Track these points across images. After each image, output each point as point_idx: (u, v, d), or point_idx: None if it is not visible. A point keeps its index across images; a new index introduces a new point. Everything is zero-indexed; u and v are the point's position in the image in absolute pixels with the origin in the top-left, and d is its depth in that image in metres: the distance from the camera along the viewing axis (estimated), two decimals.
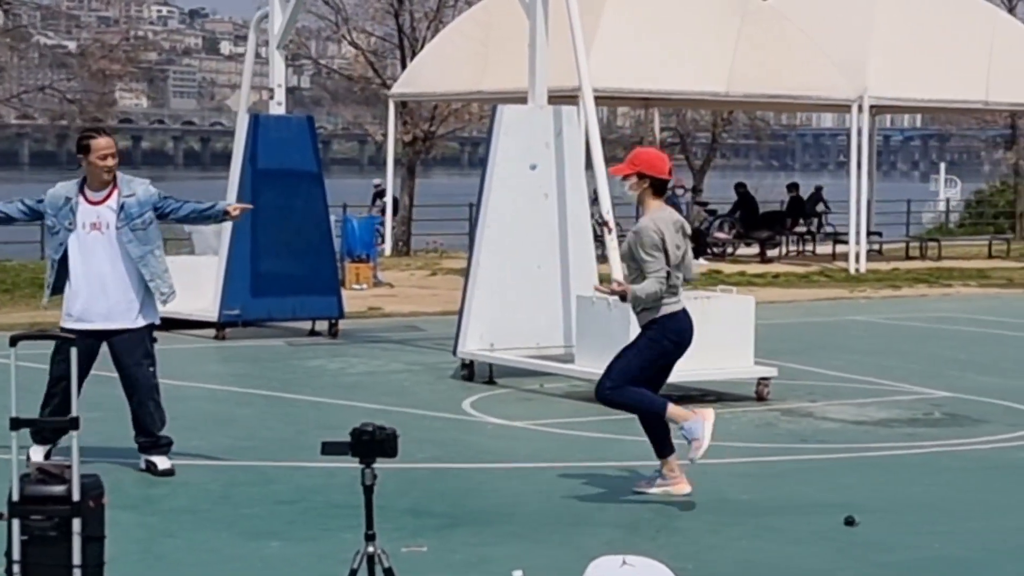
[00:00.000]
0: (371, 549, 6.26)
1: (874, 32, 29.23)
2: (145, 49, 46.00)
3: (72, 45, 71.56)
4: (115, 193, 9.96)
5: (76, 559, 6.29)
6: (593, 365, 13.59)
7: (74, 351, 6.57)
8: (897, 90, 29.16)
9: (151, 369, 10.02)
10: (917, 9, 29.77)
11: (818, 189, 36.20)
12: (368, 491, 6.27)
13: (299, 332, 18.08)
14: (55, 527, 6.28)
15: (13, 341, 6.39)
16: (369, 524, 6.29)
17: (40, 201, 10.11)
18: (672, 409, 9.41)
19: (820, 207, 35.34)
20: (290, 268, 17.59)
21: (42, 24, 47.33)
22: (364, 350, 16.84)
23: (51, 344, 9.45)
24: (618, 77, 25.89)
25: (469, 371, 14.58)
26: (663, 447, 9.57)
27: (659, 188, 9.44)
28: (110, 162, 9.92)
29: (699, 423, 9.34)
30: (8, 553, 6.30)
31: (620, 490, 9.80)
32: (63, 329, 9.54)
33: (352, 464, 9.94)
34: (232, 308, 17.36)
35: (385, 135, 31.55)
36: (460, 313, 14.86)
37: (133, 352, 9.93)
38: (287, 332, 18.03)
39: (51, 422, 6.40)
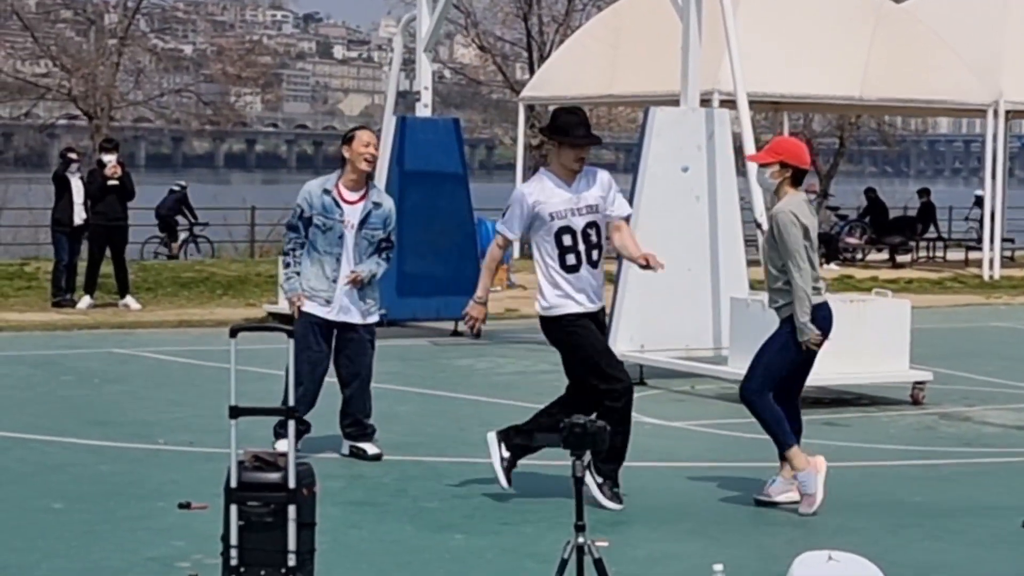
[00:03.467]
0: (581, 540, 6.33)
1: (1008, 35, 28.92)
2: (260, 53, 46.48)
3: (188, 49, 72.35)
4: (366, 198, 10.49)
5: (291, 545, 6.43)
6: (747, 367, 13.62)
7: (292, 343, 6.69)
8: None
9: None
10: None
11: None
12: (578, 482, 6.33)
13: (442, 332, 18.22)
14: (271, 513, 6.42)
15: (233, 333, 6.54)
16: (579, 515, 6.35)
17: (301, 217, 10.48)
18: (795, 451, 9.27)
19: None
20: (435, 269, 17.74)
21: (159, 28, 47.93)
22: (509, 350, 16.95)
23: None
24: (748, 80, 25.77)
25: None
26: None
27: (799, 178, 9.35)
28: (372, 150, 10.48)
29: (813, 476, 9.20)
30: (225, 537, 6.45)
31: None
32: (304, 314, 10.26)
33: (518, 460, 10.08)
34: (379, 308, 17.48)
35: (514, 139, 31.69)
36: (610, 314, 14.90)
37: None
38: (430, 332, 18.17)
39: (268, 410, 6.50)
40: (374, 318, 10.70)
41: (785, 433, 9.32)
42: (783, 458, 9.37)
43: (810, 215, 9.37)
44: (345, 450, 10.64)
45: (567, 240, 9.30)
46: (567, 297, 9.32)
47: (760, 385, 9.39)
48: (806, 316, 9.14)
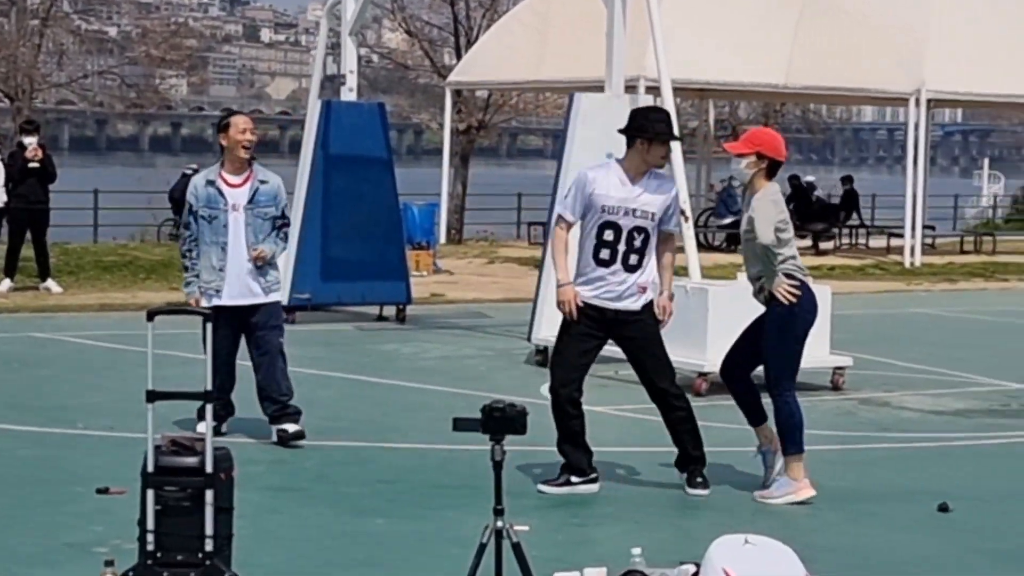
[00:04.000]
0: (499, 524, 6.35)
1: (931, 25, 29.14)
2: (185, 36, 46.12)
3: (113, 31, 71.75)
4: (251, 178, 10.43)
5: (208, 530, 6.41)
6: (670, 353, 13.64)
7: (209, 327, 6.68)
8: (954, 84, 29.05)
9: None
10: (974, 1, 29.68)
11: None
12: (498, 467, 6.35)
13: (367, 317, 18.19)
14: (189, 498, 6.40)
15: (150, 316, 6.51)
16: (498, 499, 6.38)
17: (192, 212, 10.44)
18: (796, 460, 9.27)
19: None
20: (360, 253, 17.70)
21: (82, 8, 47.53)
22: (435, 335, 16.95)
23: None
24: (673, 67, 25.86)
25: (543, 357, 14.63)
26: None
27: (774, 170, 9.27)
28: (249, 136, 10.39)
29: (793, 488, 9.22)
30: (142, 522, 6.42)
31: (709, 475, 9.84)
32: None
33: (440, 445, 10.11)
34: (302, 292, 17.49)
35: (440, 124, 31.67)
36: (535, 300, 14.94)
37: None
38: (355, 317, 18.14)
39: (186, 395, 6.48)
40: (275, 295, 10.62)
41: (800, 435, 9.27)
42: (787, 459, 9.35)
43: (784, 207, 9.35)
44: (274, 437, 10.58)
45: (608, 235, 9.20)
46: (582, 285, 9.26)
47: (789, 384, 9.30)
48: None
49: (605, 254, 9.19)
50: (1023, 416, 12.64)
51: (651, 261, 9.30)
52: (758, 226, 9.09)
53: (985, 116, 66.51)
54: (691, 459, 9.51)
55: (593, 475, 9.44)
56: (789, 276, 9.21)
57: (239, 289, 10.43)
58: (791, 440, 9.29)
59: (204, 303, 10.28)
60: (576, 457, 9.41)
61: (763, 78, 27.69)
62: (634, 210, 9.16)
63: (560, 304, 9.27)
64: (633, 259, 9.19)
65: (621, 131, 9.37)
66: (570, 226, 9.31)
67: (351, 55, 18.04)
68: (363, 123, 17.75)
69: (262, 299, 10.50)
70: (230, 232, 10.36)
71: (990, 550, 8.24)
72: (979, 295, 23.95)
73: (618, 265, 9.18)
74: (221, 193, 10.38)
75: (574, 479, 9.42)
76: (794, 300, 9.14)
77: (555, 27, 27.23)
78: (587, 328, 9.28)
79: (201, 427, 9.41)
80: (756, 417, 9.60)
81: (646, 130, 9.24)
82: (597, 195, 9.17)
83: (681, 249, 15.03)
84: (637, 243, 9.18)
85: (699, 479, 9.47)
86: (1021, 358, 16.21)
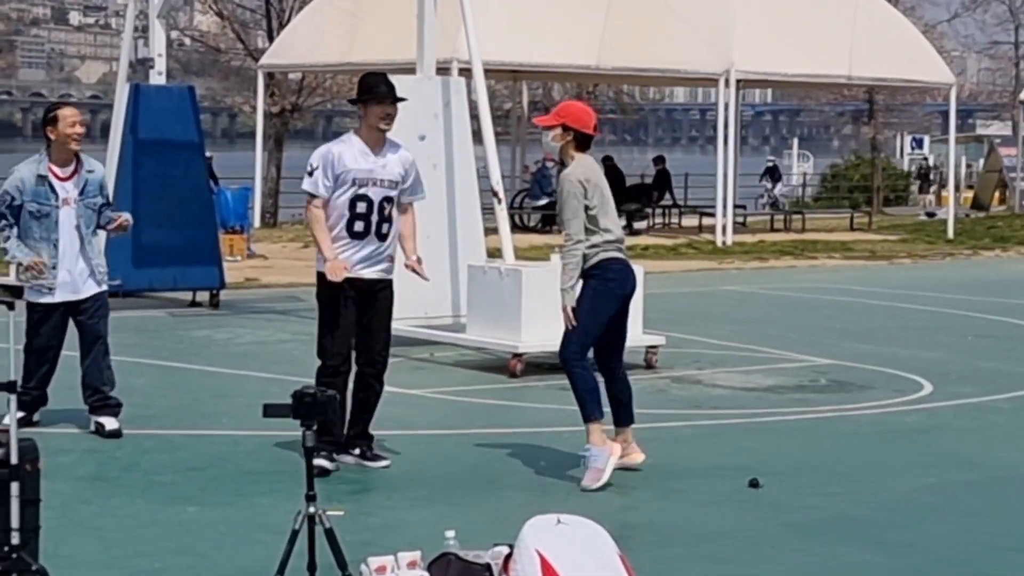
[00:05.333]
0: (312, 510, 6.33)
1: (739, 7, 29.57)
2: None
3: None
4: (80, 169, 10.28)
5: (15, 523, 6.29)
6: (485, 334, 13.76)
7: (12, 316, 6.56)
8: (762, 64, 29.54)
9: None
10: None
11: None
12: (308, 452, 6.33)
13: (180, 303, 18.00)
14: None
15: None
16: (310, 485, 6.35)
17: (11, 205, 10.19)
18: (596, 426, 9.28)
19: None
20: (171, 239, 17.48)
21: None
22: (248, 320, 16.84)
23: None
24: (486, 49, 25.93)
25: None
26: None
27: (583, 142, 9.31)
28: (79, 129, 10.19)
29: (605, 453, 9.22)
30: None
31: (524, 455, 9.94)
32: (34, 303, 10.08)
33: (253, 432, 10.04)
34: (113, 279, 17.09)
35: (254, 107, 31.40)
36: None
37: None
38: (168, 303, 17.93)
39: None
40: (105, 286, 10.53)
41: (595, 403, 9.31)
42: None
43: (601, 176, 9.43)
44: (92, 426, 10.42)
45: (361, 207, 9.38)
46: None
47: (578, 349, 9.32)
48: (568, 283, 9.19)
49: (359, 226, 9.43)
50: (831, 392, 12.90)
51: (395, 228, 9.55)
52: (561, 216, 9.24)
53: (794, 96, 67.59)
54: (367, 436, 9.74)
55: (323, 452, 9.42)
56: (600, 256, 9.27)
57: (73, 285, 10.29)
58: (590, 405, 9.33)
59: (35, 299, 10.16)
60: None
61: (575, 59, 27.87)
62: (381, 180, 9.43)
63: (333, 279, 9.37)
64: (385, 228, 9.48)
65: (350, 101, 9.60)
66: (325, 203, 9.44)
67: (160, 38, 17.80)
68: (172, 107, 17.53)
69: (92, 292, 10.37)
70: (62, 228, 10.19)
71: (793, 523, 8.40)
72: (788, 272, 24.40)
73: (372, 235, 9.44)
74: (52, 188, 10.18)
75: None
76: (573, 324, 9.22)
77: (367, 9, 27.13)
78: (352, 299, 9.46)
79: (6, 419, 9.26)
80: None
81: (363, 93, 9.46)
82: (348, 169, 9.37)
83: (495, 230, 15.18)
84: (387, 212, 9.46)
85: (376, 452, 9.73)
86: (830, 334, 16.54)
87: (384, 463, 9.65)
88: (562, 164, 9.50)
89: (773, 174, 45.43)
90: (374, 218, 9.43)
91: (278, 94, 33.96)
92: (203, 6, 37.50)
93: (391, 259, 9.61)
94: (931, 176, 49.11)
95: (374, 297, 9.56)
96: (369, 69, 29.44)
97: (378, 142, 9.47)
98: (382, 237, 9.48)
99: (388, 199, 9.46)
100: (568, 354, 9.34)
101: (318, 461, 9.19)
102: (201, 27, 53.74)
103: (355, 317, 9.51)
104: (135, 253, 17.32)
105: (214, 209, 18.47)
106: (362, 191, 9.39)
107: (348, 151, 9.43)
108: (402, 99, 9.65)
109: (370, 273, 9.50)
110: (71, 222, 10.23)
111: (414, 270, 9.64)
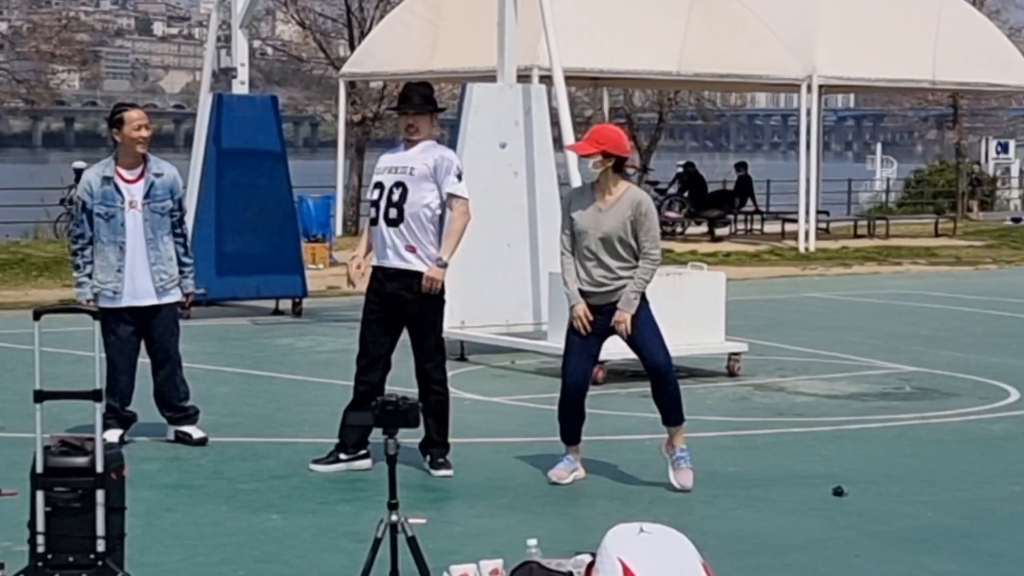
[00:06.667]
0: (394, 518, 6.33)
1: (822, 12, 29.43)
2: (76, 30, 45.56)
3: (3, 26, 70.76)
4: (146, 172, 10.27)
5: (100, 530, 6.34)
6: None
7: (98, 325, 6.59)
8: (845, 69, 29.36)
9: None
10: None
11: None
12: (391, 460, 6.33)
13: (263, 311, 18.09)
14: (79, 498, 6.32)
15: (36, 315, 6.42)
16: (392, 494, 6.35)
17: (85, 209, 10.22)
18: (680, 431, 9.41)
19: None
20: (254, 247, 17.60)
21: None
22: (331, 329, 16.89)
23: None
24: (567, 56, 25.92)
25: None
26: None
27: (621, 166, 9.34)
28: (144, 133, 10.17)
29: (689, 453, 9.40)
30: (32, 524, 6.34)
31: (607, 463, 9.89)
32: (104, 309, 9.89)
33: (335, 440, 10.04)
34: (197, 287, 17.28)
35: (335, 116, 31.52)
36: None
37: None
38: (251, 311, 18.04)
39: (74, 394, 6.40)
40: (174, 296, 10.39)
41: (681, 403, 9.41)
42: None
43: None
44: (171, 435, 10.47)
45: (375, 195, 9.51)
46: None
47: (670, 356, 9.40)
48: (644, 286, 9.30)
49: (372, 213, 9.52)
50: (915, 399, 12.78)
51: (410, 216, 9.40)
52: (653, 244, 9.25)
53: (877, 101, 67.02)
54: (433, 443, 9.66)
55: (361, 452, 9.48)
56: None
57: (138, 289, 10.20)
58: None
59: (102, 304, 10.06)
60: (344, 434, 9.52)
61: (656, 66, 27.80)
62: (396, 167, 9.46)
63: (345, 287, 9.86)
64: (392, 213, 9.39)
65: (390, 109, 9.93)
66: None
67: (242, 48, 17.92)
68: (255, 116, 17.64)
69: (161, 299, 10.28)
70: (128, 230, 10.13)
71: (880, 532, 8.32)
72: (872, 279, 24.22)
73: (381, 221, 9.43)
74: (118, 190, 10.16)
75: (342, 456, 9.57)
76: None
77: (448, 17, 27.19)
78: (375, 301, 9.53)
79: (110, 435, 9.28)
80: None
81: (395, 105, 9.67)
82: (377, 169, 9.63)
83: None
84: (395, 197, 9.38)
85: (440, 460, 9.64)
86: (915, 341, 16.40)
87: (445, 472, 9.55)
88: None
89: None
90: (383, 203, 9.38)
91: (359, 103, 34.07)
92: (285, 16, 37.72)
93: (411, 249, 9.41)
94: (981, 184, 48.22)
95: (401, 298, 9.44)
96: (450, 77, 29.65)
97: (410, 148, 9.51)
98: (391, 223, 9.37)
99: (399, 184, 9.36)
100: (669, 360, 9.37)
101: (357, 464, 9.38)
102: (283, 36, 54.03)
103: (377, 316, 9.53)
104: (218, 262, 17.45)
105: (296, 218, 18.55)
106: (377, 178, 9.48)
107: (387, 154, 9.65)
108: (427, 109, 9.51)
109: (387, 263, 9.44)
110: (137, 225, 10.13)
111: (426, 276, 9.41)
